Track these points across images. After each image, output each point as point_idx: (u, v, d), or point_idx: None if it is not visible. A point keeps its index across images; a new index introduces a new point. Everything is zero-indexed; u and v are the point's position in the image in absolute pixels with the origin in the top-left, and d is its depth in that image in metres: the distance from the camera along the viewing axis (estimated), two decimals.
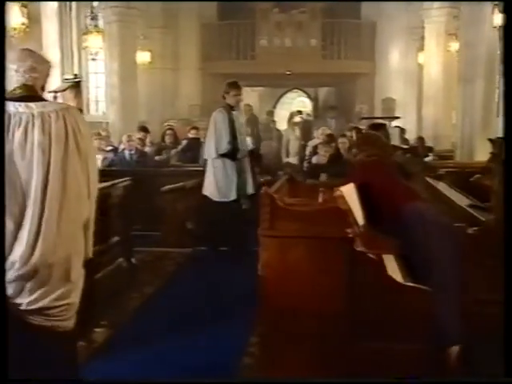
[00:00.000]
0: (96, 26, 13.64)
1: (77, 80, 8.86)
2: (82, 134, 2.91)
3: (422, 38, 15.04)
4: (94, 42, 13.40)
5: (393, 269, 3.08)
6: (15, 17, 10.05)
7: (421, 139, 11.97)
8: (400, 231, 3.33)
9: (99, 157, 10.05)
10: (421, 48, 15.58)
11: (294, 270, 2.63)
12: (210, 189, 7.54)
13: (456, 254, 3.31)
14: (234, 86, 7.59)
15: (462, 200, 5.40)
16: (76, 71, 11.54)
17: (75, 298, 3.01)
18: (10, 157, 2.71)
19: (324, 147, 10.77)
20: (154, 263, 7.35)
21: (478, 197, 6.53)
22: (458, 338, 2.87)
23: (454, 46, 13.45)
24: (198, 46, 18.13)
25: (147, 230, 8.24)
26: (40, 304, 2.85)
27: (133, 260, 6.83)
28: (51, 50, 11.47)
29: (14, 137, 2.76)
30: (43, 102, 2.91)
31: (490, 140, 8.45)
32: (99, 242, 5.92)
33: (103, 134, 10.90)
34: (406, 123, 16.47)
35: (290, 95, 24.35)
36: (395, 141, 9.95)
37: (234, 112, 7.56)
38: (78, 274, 3.01)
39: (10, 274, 2.72)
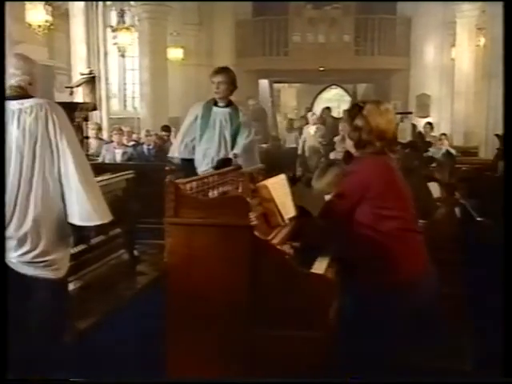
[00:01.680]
0: (125, 22, 13.93)
1: (91, 75, 9.15)
2: (55, 123, 3.45)
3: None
4: (124, 38, 13.67)
5: (320, 265, 3.11)
6: (39, 14, 10.32)
7: (420, 134, 11.76)
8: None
9: (119, 151, 10.27)
10: (454, 43, 15.31)
11: (199, 256, 2.67)
12: None
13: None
14: (213, 72, 5.68)
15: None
16: (102, 67, 11.78)
17: (62, 253, 3.61)
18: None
19: (341, 143, 10.75)
20: (155, 255, 7.45)
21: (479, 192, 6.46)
22: None
23: (483, 40, 13.20)
24: (232, 43, 18.20)
25: (159, 224, 8.34)
26: (28, 257, 3.49)
27: (135, 252, 6.94)
28: (78, 46, 11.73)
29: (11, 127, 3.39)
30: (23, 100, 3.45)
31: (497, 136, 8.33)
32: (100, 232, 6.14)
33: (125, 129, 11.10)
34: (441, 119, 16.27)
35: (330, 91, 24.29)
36: (407, 136, 9.83)
37: (215, 108, 5.68)
38: (62, 234, 3.58)
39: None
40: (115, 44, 13.67)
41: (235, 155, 5.43)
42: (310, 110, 19.44)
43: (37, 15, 10.35)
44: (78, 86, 8.90)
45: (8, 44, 11.20)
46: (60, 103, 6.10)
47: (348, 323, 2.81)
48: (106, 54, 11.92)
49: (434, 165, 8.69)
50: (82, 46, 11.64)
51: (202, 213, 2.67)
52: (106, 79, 12.07)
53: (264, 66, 18.11)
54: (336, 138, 11.67)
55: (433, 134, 12.81)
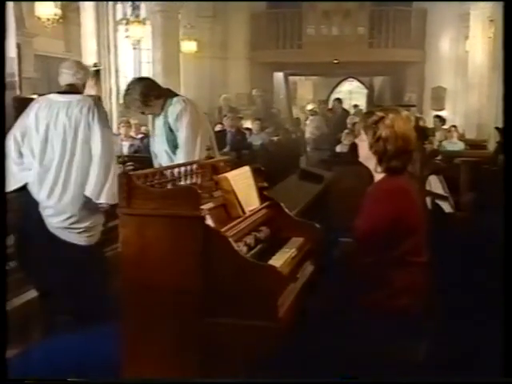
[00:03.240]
0: (139, 16, 14.03)
1: (97, 68, 9.25)
2: (95, 114, 4.33)
3: None
4: (136, 31, 13.77)
5: (281, 255, 3.14)
6: (48, 8, 10.42)
7: (418, 127, 11.57)
8: None
9: (125, 143, 10.37)
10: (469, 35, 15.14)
11: (151, 246, 2.70)
12: None
13: None
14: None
15: (436, 189, 5.33)
16: (112, 61, 11.89)
17: (95, 221, 4.43)
18: (46, 127, 4.33)
19: (348, 136, 10.76)
20: None
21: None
22: None
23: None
24: (247, 35, 18.23)
25: None
26: (66, 223, 4.30)
27: None
28: (89, 40, 11.84)
29: (52, 115, 4.32)
30: (73, 95, 4.40)
31: (497, 129, 8.24)
32: None
33: (133, 122, 11.19)
34: (456, 112, 16.13)
35: (351, 84, 24.21)
36: None
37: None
38: (95, 205, 4.34)
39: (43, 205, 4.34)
40: (127, 37, 13.79)
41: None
42: (324, 102, 19.40)
43: (45, 8, 10.43)
44: None
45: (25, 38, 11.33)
46: None
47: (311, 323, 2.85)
48: (116, 47, 11.98)
49: (439, 158, 8.67)
50: (92, 39, 11.74)
51: (153, 203, 2.70)
52: (116, 72, 12.14)
53: (278, 59, 18.12)
54: (345, 131, 11.64)
55: (444, 126, 12.70)
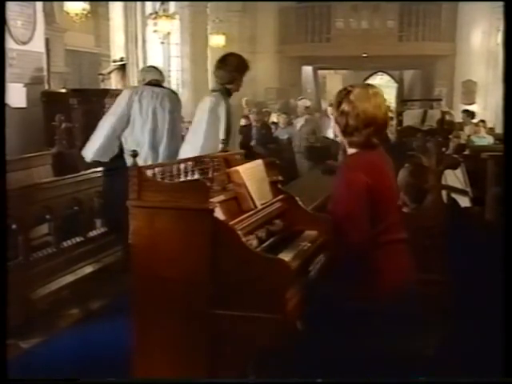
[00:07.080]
0: (167, 10, 14.08)
1: (122, 63, 9.30)
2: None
3: None
4: (164, 26, 13.82)
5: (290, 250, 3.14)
6: (76, 3, 10.51)
7: (441, 121, 11.28)
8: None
9: None
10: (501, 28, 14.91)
11: (161, 238, 2.73)
12: None
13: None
14: (243, 65, 4.95)
15: (452, 183, 5.27)
16: (140, 55, 11.97)
17: None
18: (153, 110, 5.55)
19: None
20: None
21: None
22: None
23: None
24: (276, 29, 18.25)
25: None
26: None
27: None
28: (117, 34, 11.93)
29: (157, 101, 5.60)
30: (165, 89, 5.89)
31: None
32: None
33: None
34: (487, 106, 15.92)
35: (382, 78, 23.96)
36: (433, 123, 9.62)
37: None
38: None
39: None
40: (155, 31, 13.85)
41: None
42: None
43: (74, 3, 10.53)
44: (109, 73, 9.06)
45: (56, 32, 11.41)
46: (92, 90, 7.11)
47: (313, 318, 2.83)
48: (144, 41, 12.07)
49: (466, 152, 8.55)
50: (120, 34, 11.83)
51: (163, 196, 2.73)
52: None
53: (307, 53, 18.10)
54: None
55: (474, 121, 12.56)
